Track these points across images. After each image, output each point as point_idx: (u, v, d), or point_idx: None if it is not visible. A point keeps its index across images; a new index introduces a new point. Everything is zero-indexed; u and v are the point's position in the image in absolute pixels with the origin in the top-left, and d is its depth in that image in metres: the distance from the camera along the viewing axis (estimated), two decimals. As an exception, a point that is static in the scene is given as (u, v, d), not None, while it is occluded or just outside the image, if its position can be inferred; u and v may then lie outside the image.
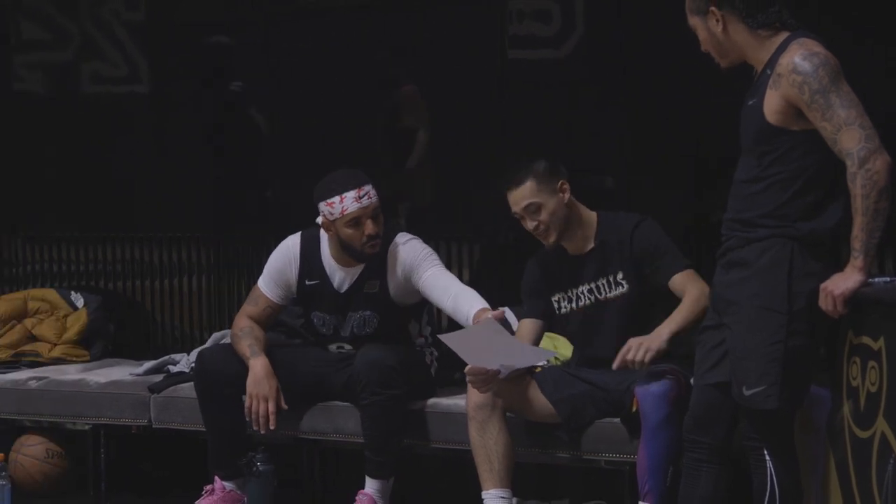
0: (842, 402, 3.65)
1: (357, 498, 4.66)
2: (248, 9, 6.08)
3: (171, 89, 6.31)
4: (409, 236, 4.79)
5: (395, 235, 4.75)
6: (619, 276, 4.46)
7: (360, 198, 4.62)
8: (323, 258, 4.79)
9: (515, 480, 4.49)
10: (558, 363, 4.85)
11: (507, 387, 4.46)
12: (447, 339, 4.25)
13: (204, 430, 4.94)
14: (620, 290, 4.47)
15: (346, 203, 4.61)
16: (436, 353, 4.93)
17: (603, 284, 4.48)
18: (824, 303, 3.54)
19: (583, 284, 4.51)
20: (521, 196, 4.46)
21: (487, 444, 4.44)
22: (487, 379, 4.34)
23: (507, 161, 4.83)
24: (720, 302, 3.74)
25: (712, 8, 3.68)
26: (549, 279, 4.56)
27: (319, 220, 4.72)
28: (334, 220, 4.65)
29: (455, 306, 4.56)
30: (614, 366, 4.29)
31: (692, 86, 5.07)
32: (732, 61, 3.75)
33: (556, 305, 4.58)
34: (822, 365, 3.77)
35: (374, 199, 4.66)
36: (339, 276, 4.77)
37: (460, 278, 4.98)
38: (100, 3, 6.42)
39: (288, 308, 4.99)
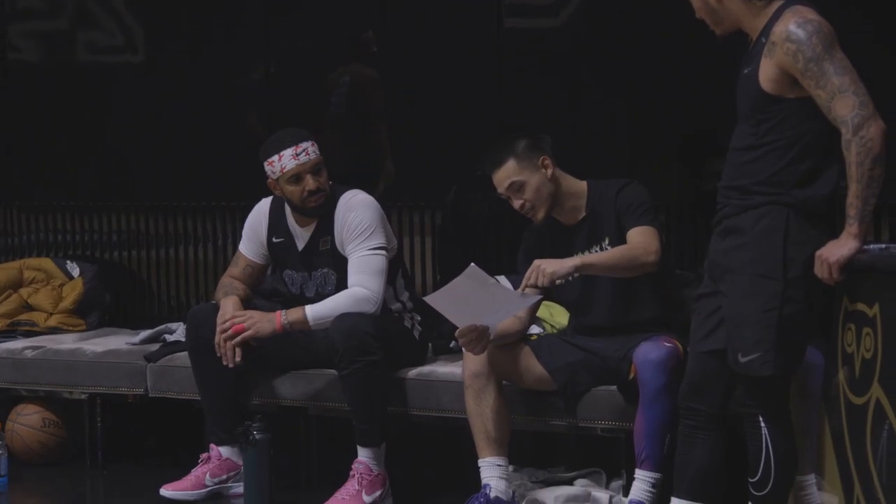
0: (837, 368, 3.65)
1: (353, 467, 4.67)
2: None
3: (167, 58, 6.28)
4: (356, 194, 4.81)
5: (342, 193, 4.81)
6: (606, 242, 4.45)
7: (298, 154, 4.71)
8: (287, 217, 4.88)
9: (512, 448, 4.50)
10: (554, 331, 4.85)
11: (503, 354, 4.46)
12: (431, 299, 4.23)
13: (200, 399, 4.95)
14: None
15: (285, 161, 4.71)
16: (418, 318, 4.93)
17: (595, 252, 4.47)
18: (819, 270, 3.54)
19: (576, 253, 4.50)
20: (504, 176, 4.44)
21: (484, 412, 4.44)
22: (479, 336, 4.31)
23: (491, 140, 4.81)
24: (716, 269, 3.74)
25: None
26: (544, 249, 4.55)
27: (268, 182, 4.82)
28: (277, 179, 4.74)
29: None
30: (519, 290, 4.24)
31: (693, 55, 5.05)
32: (727, 29, 3.74)
33: None
34: (815, 331, 3.77)
35: (314, 155, 4.74)
36: (299, 234, 4.87)
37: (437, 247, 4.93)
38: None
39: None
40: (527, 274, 4.22)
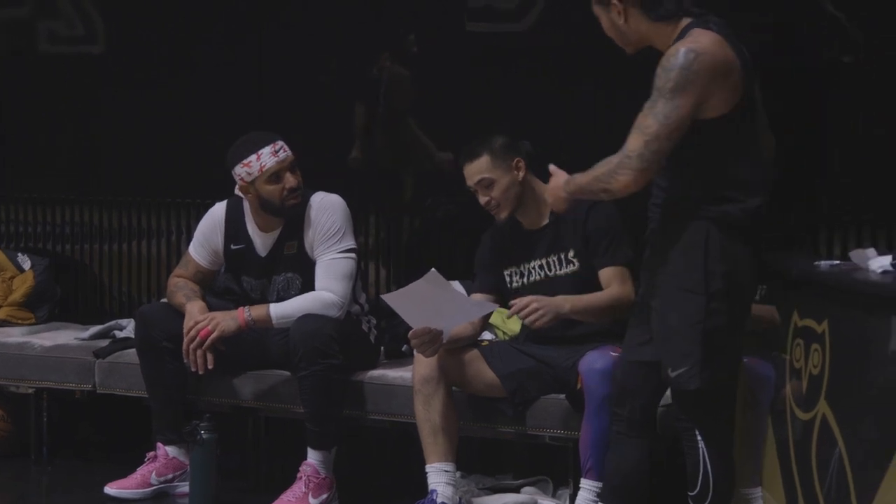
0: (785, 382, 3.66)
1: (301, 469, 4.64)
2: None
3: (124, 51, 6.23)
4: (327, 196, 4.78)
5: (311, 195, 4.77)
6: (571, 253, 4.45)
7: (277, 152, 4.68)
8: (247, 223, 4.83)
9: (460, 454, 4.49)
10: (506, 338, 4.85)
11: (454, 359, 4.45)
12: (389, 298, 4.23)
13: (147, 396, 4.91)
14: (571, 267, 4.46)
15: (264, 159, 4.66)
16: (374, 321, 4.92)
17: (554, 261, 4.48)
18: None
19: (535, 260, 4.50)
20: (475, 170, 4.47)
21: (432, 418, 4.43)
22: (432, 339, 4.31)
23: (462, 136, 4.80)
24: (646, 283, 3.77)
25: (613, 1, 3.69)
26: (502, 253, 4.55)
27: (237, 187, 4.76)
28: (253, 180, 4.69)
29: None
30: (508, 314, 4.32)
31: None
32: (636, 47, 3.76)
33: (507, 279, 4.57)
34: (762, 344, 3.79)
35: (289, 153, 4.72)
36: (261, 240, 4.81)
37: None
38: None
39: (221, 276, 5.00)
40: (519, 305, 4.23)
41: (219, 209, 4.89)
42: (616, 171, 3.57)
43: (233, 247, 4.84)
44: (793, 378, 3.61)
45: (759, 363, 4.03)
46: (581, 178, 3.69)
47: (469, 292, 4.71)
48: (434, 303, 4.19)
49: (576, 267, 4.46)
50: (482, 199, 4.48)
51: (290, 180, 4.67)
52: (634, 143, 3.54)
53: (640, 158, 3.53)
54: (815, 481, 3.45)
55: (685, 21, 3.64)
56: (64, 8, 6.36)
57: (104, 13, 6.28)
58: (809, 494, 3.48)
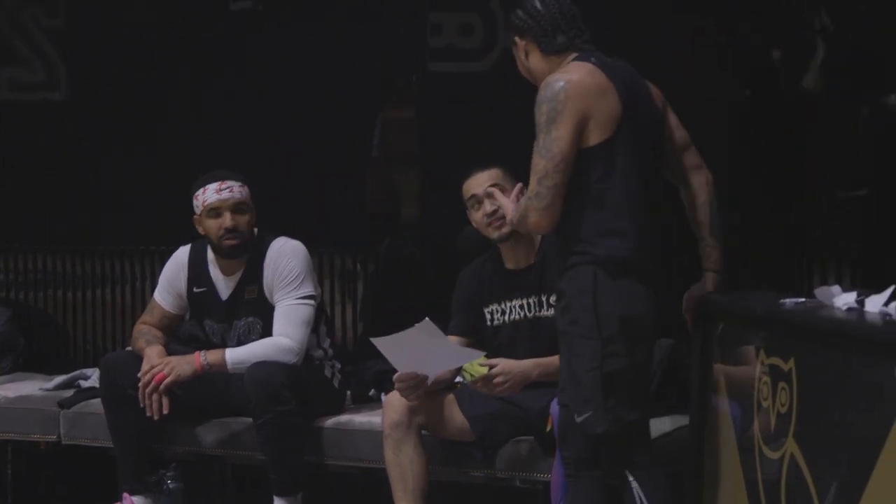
0: (752, 420, 3.64)
1: (268, 516, 4.61)
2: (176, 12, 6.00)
3: (88, 97, 6.21)
4: (287, 241, 4.77)
5: (272, 240, 4.77)
6: (554, 297, 4.41)
7: (221, 190, 4.72)
8: (209, 266, 4.82)
9: (429, 499, 4.45)
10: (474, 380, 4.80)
11: (427, 403, 4.42)
12: (379, 342, 4.21)
13: (113, 446, 4.87)
14: (553, 311, 4.42)
15: (208, 194, 4.71)
16: (338, 366, 4.89)
17: (534, 302, 4.45)
18: None
19: (516, 299, 4.47)
20: (488, 177, 4.40)
21: (402, 463, 4.40)
22: (417, 385, 4.29)
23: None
24: (557, 330, 3.81)
25: (515, 38, 3.80)
26: (482, 290, 4.52)
27: (194, 218, 4.80)
28: (200, 214, 4.73)
29: None
30: (477, 386, 4.29)
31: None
32: None
33: (488, 317, 4.52)
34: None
35: (238, 195, 4.72)
36: (222, 283, 4.81)
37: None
38: (20, 8, 6.32)
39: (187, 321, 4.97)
40: (493, 374, 4.24)
41: (182, 252, 4.90)
42: (526, 213, 3.68)
43: (195, 290, 4.83)
44: (760, 416, 3.59)
45: (729, 402, 4.01)
46: (513, 213, 3.84)
47: (445, 332, 4.68)
48: (423, 350, 4.19)
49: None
50: (488, 208, 4.36)
51: (227, 220, 4.68)
52: (532, 184, 3.65)
53: (538, 197, 3.63)
54: (785, 520, 3.44)
55: (572, 55, 3.71)
56: (24, 54, 6.34)
57: (67, 59, 6.27)
58: (780, 534, 3.46)
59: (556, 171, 3.59)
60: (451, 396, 4.50)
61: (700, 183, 3.84)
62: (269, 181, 5.30)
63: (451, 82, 5.73)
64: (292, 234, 4.84)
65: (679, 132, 3.86)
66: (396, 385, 4.32)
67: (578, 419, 3.66)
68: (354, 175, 5.87)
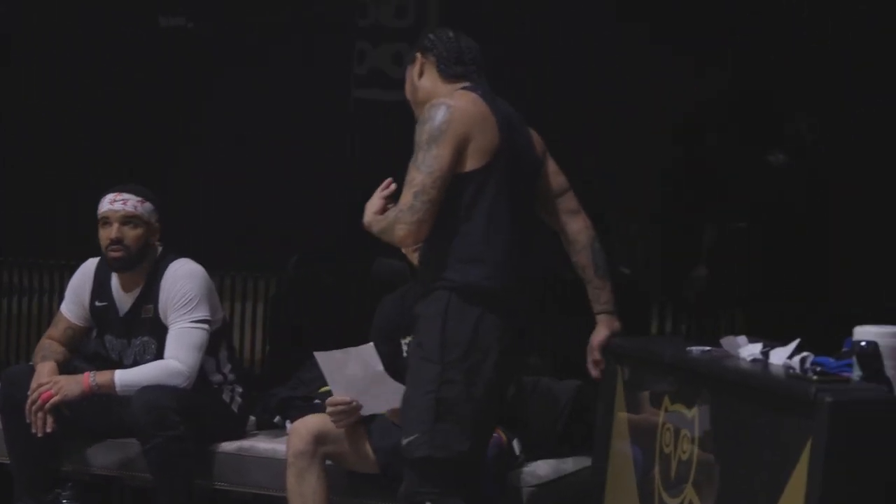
0: (653, 465, 3.66)
1: (161, 541, 4.55)
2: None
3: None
4: (185, 264, 4.74)
5: (172, 261, 4.74)
6: None
7: (115, 201, 4.69)
8: (112, 281, 4.79)
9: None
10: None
11: (333, 434, 4.36)
12: (321, 356, 4.18)
13: (9, 462, 4.78)
14: None
15: (102, 204, 4.71)
16: (239, 390, 4.84)
17: None
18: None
19: None
20: None
21: (304, 493, 4.34)
22: (350, 412, 4.23)
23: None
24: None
25: (417, 53, 3.87)
26: (402, 321, 4.46)
27: None
28: (97, 223, 4.72)
29: None
30: (396, 419, 4.20)
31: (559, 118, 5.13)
32: (421, 108, 3.83)
33: (405, 349, 4.49)
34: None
35: (132, 208, 4.68)
36: (122, 299, 4.78)
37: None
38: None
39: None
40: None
41: (90, 264, 4.87)
42: (394, 225, 3.67)
43: (97, 303, 4.80)
44: (662, 462, 3.61)
45: (631, 446, 4.02)
46: (376, 225, 3.76)
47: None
48: (362, 378, 4.15)
49: None
50: None
51: (114, 231, 4.65)
52: (405, 197, 3.65)
53: (411, 211, 3.63)
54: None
55: (462, 84, 3.78)
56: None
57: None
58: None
59: (434, 187, 3.62)
60: (361, 427, 4.45)
61: (579, 227, 3.90)
62: (178, 199, 5.27)
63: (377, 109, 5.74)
64: (200, 256, 4.80)
65: (557, 178, 3.93)
66: (328, 409, 4.26)
67: (404, 441, 3.65)
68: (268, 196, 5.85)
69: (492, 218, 3.67)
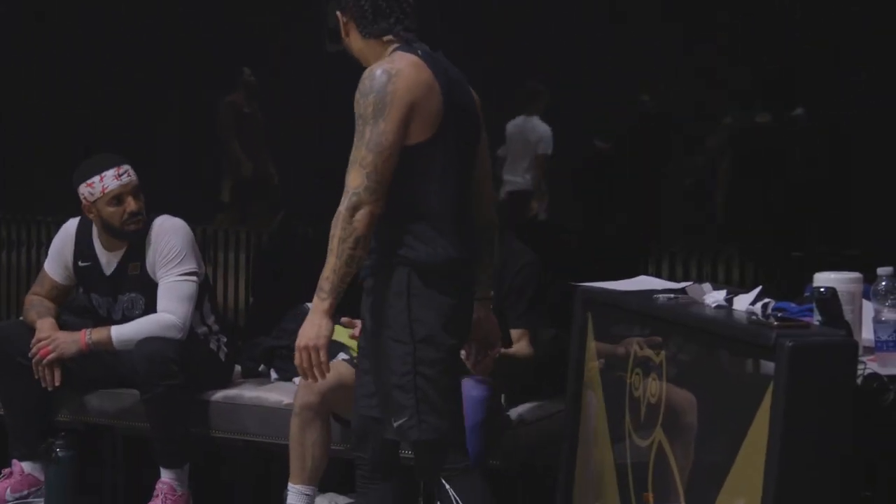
0: (624, 408, 3.77)
1: (157, 487, 4.68)
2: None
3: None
4: (168, 219, 4.83)
5: (154, 217, 4.83)
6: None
7: (120, 175, 4.73)
8: (94, 241, 4.86)
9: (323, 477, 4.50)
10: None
11: (340, 391, 4.37)
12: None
13: (3, 413, 4.91)
14: None
15: (107, 181, 4.72)
16: (224, 340, 4.95)
17: None
18: (299, 359, 3.48)
19: None
20: None
21: (305, 443, 4.41)
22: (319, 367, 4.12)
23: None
24: (364, 329, 3.69)
25: (338, 13, 3.61)
26: None
27: (82, 206, 4.80)
28: (95, 201, 4.73)
29: None
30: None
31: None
32: (365, 64, 3.57)
33: None
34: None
35: (134, 177, 4.76)
36: (106, 259, 4.85)
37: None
38: None
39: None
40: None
41: (71, 225, 4.93)
42: (351, 218, 3.42)
43: (80, 263, 4.88)
44: (632, 406, 3.73)
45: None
46: (327, 283, 3.46)
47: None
48: None
49: None
50: None
51: (131, 204, 4.72)
52: (357, 178, 3.42)
53: (367, 191, 3.41)
54: (649, 500, 3.59)
55: (394, 45, 3.54)
56: None
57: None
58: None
59: (385, 163, 3.42)
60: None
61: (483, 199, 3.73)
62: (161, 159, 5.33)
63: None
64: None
65: (484, 164, 3.70)
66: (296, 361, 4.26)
67: (395, 423, 3.53)
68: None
69: (443, 191, 3.51)
